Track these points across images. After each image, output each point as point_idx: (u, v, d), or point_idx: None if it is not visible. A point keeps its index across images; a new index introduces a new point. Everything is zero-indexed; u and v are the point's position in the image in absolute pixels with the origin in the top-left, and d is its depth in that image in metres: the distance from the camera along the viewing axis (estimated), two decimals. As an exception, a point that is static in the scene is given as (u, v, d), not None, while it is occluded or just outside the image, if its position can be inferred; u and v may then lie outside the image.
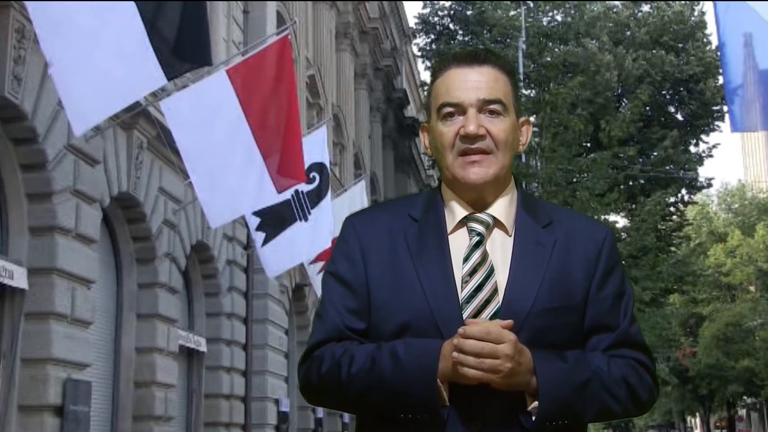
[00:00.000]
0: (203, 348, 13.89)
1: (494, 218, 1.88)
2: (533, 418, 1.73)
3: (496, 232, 1.88)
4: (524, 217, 1.90)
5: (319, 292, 15.44)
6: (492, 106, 1.86)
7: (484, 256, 1.83)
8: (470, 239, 1.86)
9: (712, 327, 42.00)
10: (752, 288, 46.48)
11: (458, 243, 1.86)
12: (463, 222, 1.89)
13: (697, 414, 57.05)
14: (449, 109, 1.86)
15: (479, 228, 1.87)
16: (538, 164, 20.63)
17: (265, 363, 15.80)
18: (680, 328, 44.57)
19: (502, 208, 1.89)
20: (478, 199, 1.88)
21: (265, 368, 15.78)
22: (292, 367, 18.02)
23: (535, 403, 1.73)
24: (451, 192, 1.91)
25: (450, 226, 1.89)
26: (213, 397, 14.19)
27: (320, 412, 19.23)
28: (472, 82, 1.86)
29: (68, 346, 9.08)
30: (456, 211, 1.89)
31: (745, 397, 48.27)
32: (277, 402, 16.27)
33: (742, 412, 53.82)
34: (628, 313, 1.89)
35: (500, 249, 1.86)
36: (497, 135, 1.85)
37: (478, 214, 1.88)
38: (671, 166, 28.00)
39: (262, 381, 15.61)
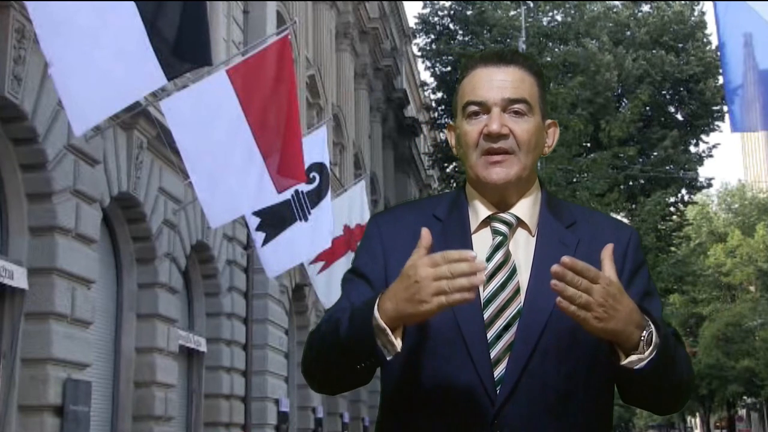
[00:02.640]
0: (203, 348, 13.89)
1: (517, 218, 1.88)
2: (636, 367, 1.68)
3: (520, 232, 1.88)
4: (548, 217, 1.90)
5: (319, 292, 15.48)
6: (516, 106, 1.85)
7: (507, 256, 1.83)
8: (493, 239, 1.86)
9: (712, 327, 42.02)
10: (752, 288, 46.52)
11: (481, 243, 1.86)
12: (486, 222, 1.89)
13: (697, 414, 57.05)
14: (474, 108, 1.86)
15: (502, 228, 1.87)
16: (539, 164, 20.61)
17: (265, 363, 15.80)
18: (680, 328, 44.58)
19: (526, 208, 1.89)
20: (501, 199, 1.88)
21: (265, 368, 15.78)
22: (292, 367, 18.02)
23: (632, 357, 1.68)
24: (475, 191, 1.91)
25: (473, 226, 1.89)
26: (213, 397, 14.19)
27: (320, 412, 19.23)
28: (497, 82, 1.86)
29: (68, 346, 9.08)
30: (479, 210, 1.89)
31: (745, 397, 48.28)
32: (277, 402, 16.27)
33: (742, 412, 53.84)
34: (659, 311, 1.86)
35: (523, 249, 1.86)
36: (520, 135, 1.84)
37: (502, 214, 1.88)
38: (671, 166, 27.99)
39: (262, 381, 15.61)
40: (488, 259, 1.82)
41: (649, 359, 1.68)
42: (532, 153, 1.87)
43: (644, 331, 1.68)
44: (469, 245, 1.85)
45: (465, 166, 1.92)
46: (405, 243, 1.84)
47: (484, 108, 1.85)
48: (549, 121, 1.95)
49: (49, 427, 8.68)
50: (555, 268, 1.60)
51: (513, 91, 1.85)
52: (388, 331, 1.67)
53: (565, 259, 1.61)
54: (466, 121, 1.87)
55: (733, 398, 46.86)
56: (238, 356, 15.00)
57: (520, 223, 1.88)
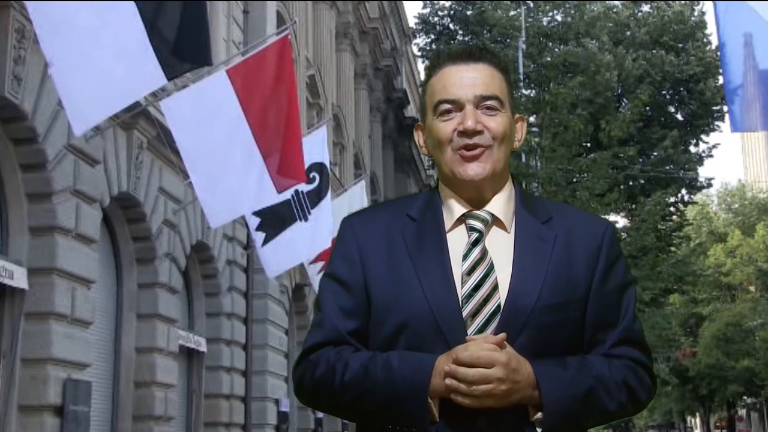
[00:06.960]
0: (203, 348, 13.89)
1: (492, 215, 1.87)
2: (538, 430, 1.73)
3: (495, 230, 1.87)
4: (523, 213, 1.89)
5: (319, 292, 15.66)
6: (489, 102, 1.86)
7: (484, 253, 1.82)
8: (469, 237, 1.85)
9: (712, 327, 42.00)
10: (752, 288, 46.50)
11: (457, 241, 1.85)
12: (461, 220, 1.88)
13: (697, 414, 57.08)
14: (446, 106, 1.87)
15: (478, 225, 1.86)
16: (538, 164, 20.60)
17: (265, 363, 15.80)
18: (680, 328, 44.56)
19: (500, 205, 1.89)
20: (475, 195, 1.88)
21: (265, 368, 15.78)
22: (292, 367, 18.04)
23: (539, 415, 1.73)
24: (448, 190, 1.91)
25: (448, 225, 1.88)
26: (213, 397, 14.19)
27: (320, 412, 19.22)
28: (468, 79, 1.87)
29: (68, 346, 9.08)
30: (454, 209, 1.89)
31: (745, 397, 48.28)
32: (277, 402, 16.27)
33: (742, 412, 53.84)
34: (630, 308, 1.88)
35: (500, 246, 1.85)
36: (495, 130, 1.85)
37: (477, 212, 1.88)
38: (671, 166, 28.01)
39: (262, 381, 15.61)
40: (465, 257, 1.82)
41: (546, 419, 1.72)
42: (505, 147, 1.88)
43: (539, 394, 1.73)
44: (443, 244, 1.85)
45: (438, 164, 1.92)
46: (379, 243, 1.85)
47: (457, 106, 1.86)
48: (517, 115, 1.96)
49: (49, 427, 8.68)
50: (445, 367, 1.70)
51: (484, 88, 1.86)
52: (433, 407, 1.73)
53: (453, 355, 1.69)
54: (439, 119, 1.88)
55: (733, 398, 46.87)
56: (238, 356, 15.00)
57: (496, 220, 1.88)
